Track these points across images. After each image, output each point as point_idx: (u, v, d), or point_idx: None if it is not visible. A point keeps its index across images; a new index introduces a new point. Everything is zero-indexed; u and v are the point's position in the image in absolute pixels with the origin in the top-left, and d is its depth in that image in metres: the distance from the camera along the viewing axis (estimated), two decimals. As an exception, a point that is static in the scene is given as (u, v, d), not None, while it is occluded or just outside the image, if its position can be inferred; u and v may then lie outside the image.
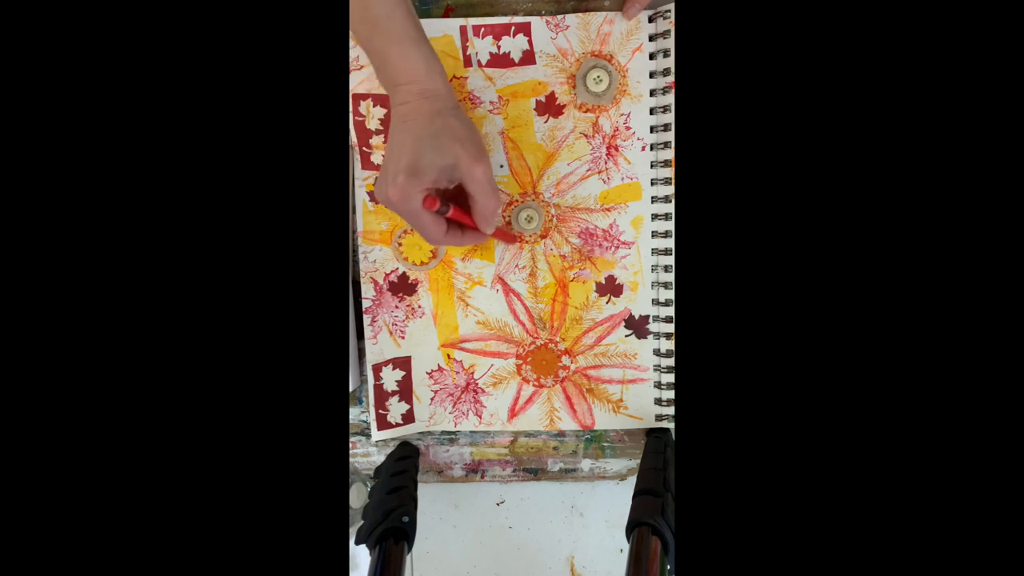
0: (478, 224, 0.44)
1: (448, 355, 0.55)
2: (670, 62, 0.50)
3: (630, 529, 0.43)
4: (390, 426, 0.55)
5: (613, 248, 0.53)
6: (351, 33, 0.42)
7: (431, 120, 0.40)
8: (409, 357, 0.55)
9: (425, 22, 0.52)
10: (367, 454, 0.56)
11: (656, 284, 0.53)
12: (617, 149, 0.52)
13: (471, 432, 0.56)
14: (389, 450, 0.56)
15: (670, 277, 0.52)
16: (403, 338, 0.55)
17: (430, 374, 0.55)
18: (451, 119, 0.40)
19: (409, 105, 0.40)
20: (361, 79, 0.52)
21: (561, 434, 0.56)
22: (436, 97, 0.40)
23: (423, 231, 0.43)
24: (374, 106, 0.52)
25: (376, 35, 0.39)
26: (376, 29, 0.39)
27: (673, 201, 0.52)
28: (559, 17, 0.51)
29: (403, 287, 0.54)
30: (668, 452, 0.50)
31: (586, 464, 0.56)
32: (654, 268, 0.53)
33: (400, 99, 0.41)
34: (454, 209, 0.42)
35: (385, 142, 0.52)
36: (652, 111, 0.52)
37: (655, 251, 0.53)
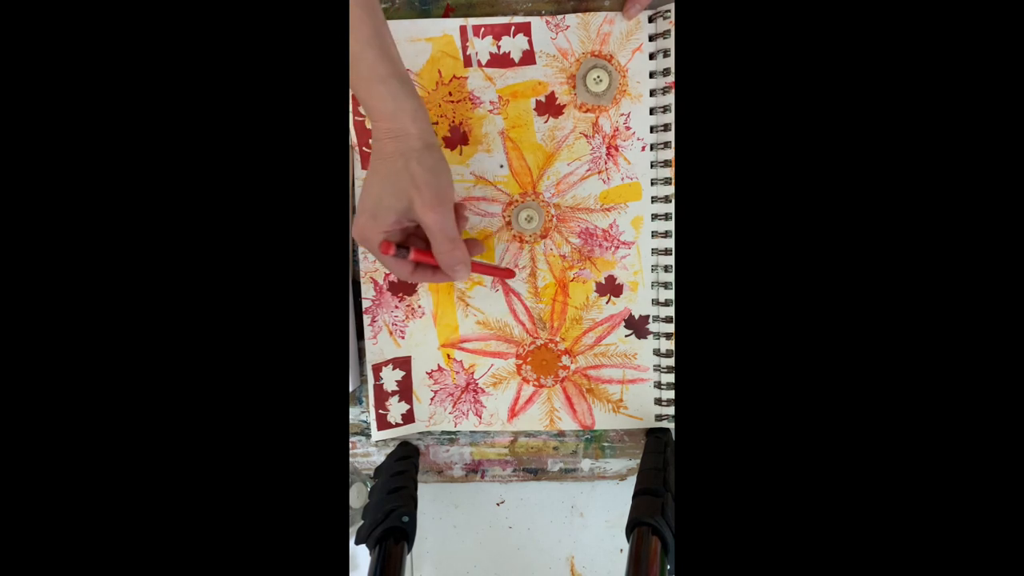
0: (443, 270, 0.43)
1: (448, 355, 0.55)
2: (670, 62, 0.50)
3: (630, 529, 0.43)
4: (390, 426, 0.55)
5: (613, 248, 0.53)
6: None
7: (393, 162, 0.40)
8: (409, 357, 0.55)
9: (425, 22, 0.52)
10: (367, 454, 0.56)
11: (656, 284, 0.53)
12: (617, 149, 0.52)
13: (471, 432, 0.56)
14: (389, 450, 0.56)
15: (670, 277, 0.52)
16: (403, 338, 0.55)
17: (430, 374, 0.55)
18: (412, 163, 0.40)
19: (379, 144, 0.41)
20: (361, 79, 0.52)
21: (561, 434, 0.56)
22: (402, 138, 0.40)
23: (389, 269, 0.44)
24: (374, 106, 0.52)
25: (352, 73, 0.39)
26: (351, 67, 0.39)
27: (673, 201, 0.52)
28: (559, 17, 0.51)
29: (403, 287, 0.54)
30: (668, 452, 0.50)
31: (586, 464, 0.56)
32: (654, 268, 0.53)
33: (375, 136, 0.41)
34: (416, 252, 0.42)
35: None
36: (652, 111, 0.52)
37: (655, 251, 0.53)
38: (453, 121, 0.53)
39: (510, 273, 0.53)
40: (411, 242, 0.43)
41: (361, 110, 0.52)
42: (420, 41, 0.52)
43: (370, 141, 0.42)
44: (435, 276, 0.45)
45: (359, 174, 0.53)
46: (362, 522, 0.48)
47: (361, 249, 0.54)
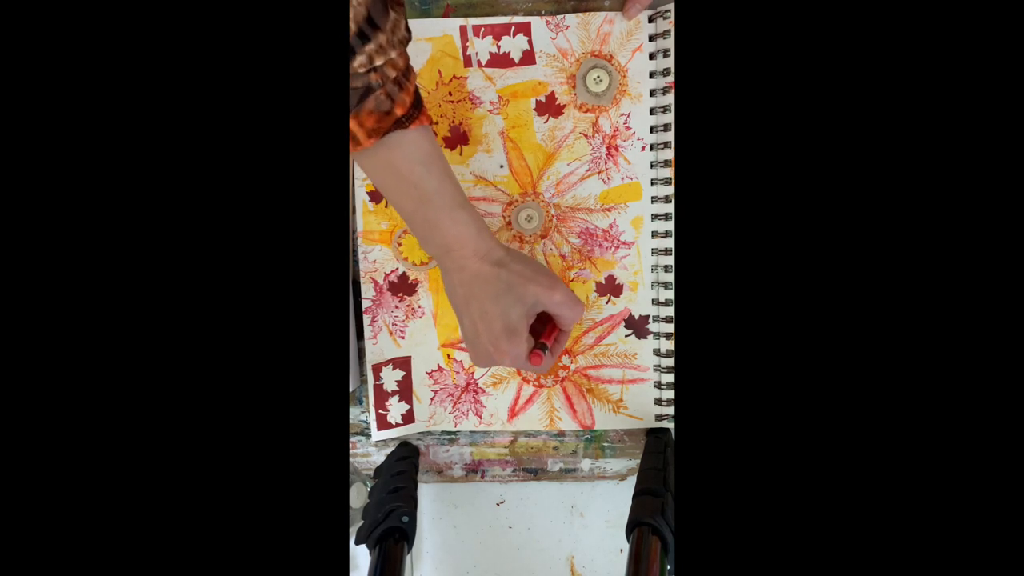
0: (564, 328, 0.45)
1: (448, 355, 0.55)
2: (670, 62, 0.50)
3: (630, 529, 0.43)
4: (390, 426, 0.55)
5: (613, 248, 0.53)
6: (393, 207, 0.44)
7: (498, 277, 0.41)
8: (409, 357, 0.55)
9: (425, 22, 0.52)
10: (367, 454, 0.56)
11: (656, 284, 0.53)
12: (617, 149, 0.52)
13: (471, 432, 0.56)
14: (389, 450, 0.56)
15: (670, 277, 0.52)
16: (403, 338, 0.55)
17: (430, 374, 0.55)
18: (513, 265, 0.41)
19: (469, 270, 0.41)
20: (361, 79, 0.52)
21: (561, 434, 0.56)
22: (490, 253, 0.41)
23: (535, 371, 0.46)
24: (374, 106, 0.52)
25: (425, 207, 0.40)
26: (425, 202, 0.40)
27: (673, 201, 0.52)
28: (559, 17, 0.51)
29: (403, 287, 0.54)
30: (668, 452, 0.50)
31: (586, 464, 0.56)
32: (654, 268, 0.53)
33: (455, 264, 0.41)
34: (549, 338, 0.44)
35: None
36: (652, 111, 0.52)
37: (655, 251, 0.53)
38: (453, 121, 0.53)
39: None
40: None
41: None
42: (420, 41, 0.52)
43: (443, 269, 0.43)
44: (560, 347, 0.46)
45: (359, 174, 0.53)
46: (362, 522, 0.48)
47: (361, 249, 0.54)
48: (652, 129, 0.52)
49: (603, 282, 0.54)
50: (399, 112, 0.37)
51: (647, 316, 0.53)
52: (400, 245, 0.54)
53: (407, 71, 0.37)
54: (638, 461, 0.54)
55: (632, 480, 0.50)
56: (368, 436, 0.56)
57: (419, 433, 0.56)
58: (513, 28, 0.51)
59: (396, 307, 0.55)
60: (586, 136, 0.52)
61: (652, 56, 0.51)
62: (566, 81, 0.52)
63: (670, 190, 0.52)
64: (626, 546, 0.42)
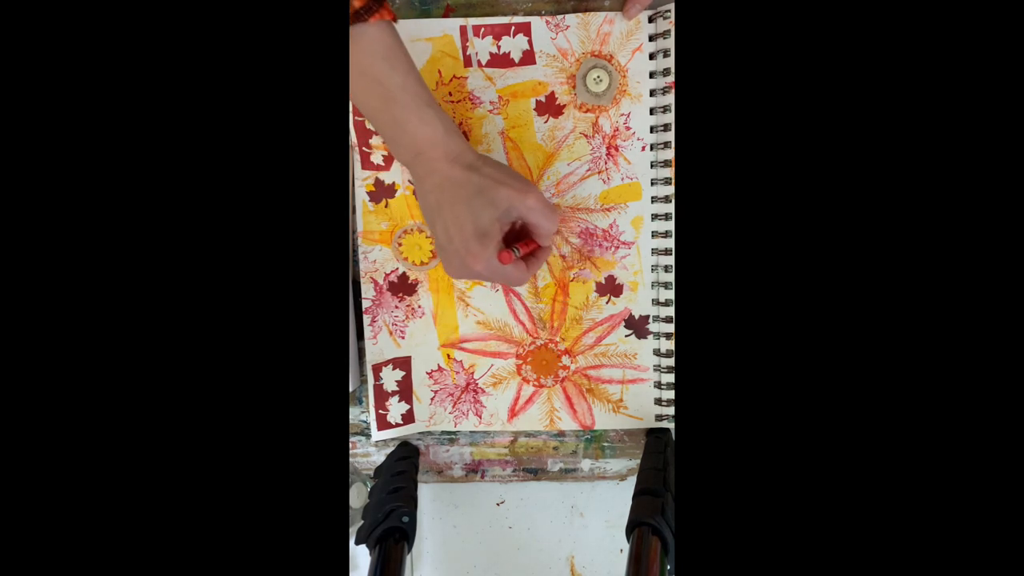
0: (542, 242, 0.44)
1: (448, 355, 0.55)
2: (670, 62, 0.50)
3: (630, 529, 0.43)
4: (390, 426, 0.55)
5: (613, 248, 0.53)
6: (360, 110, 0.42)
7: (468, 179, 0.40)
8: (409, 357, 0.55)
9: (425, 22, 0.52)
10: (367, 454, 0.56)
11: (656, 284, 0.53)
12: (617, 149, 0.52)
13: (471, 432, 0.56)
14: (389, 450, 0.56)
15: (670, 277, 0.52)
16: (403, 338, 0.55)
17: (430, 374, 0.55)
18: (485, 169, 0.41)
19: (440, 174, 0.40)
20: (361, 79, 0.52)
21: (561, 434, 0.56)
22: (461, 156, 0.40)
23: (509, 281, 0.44)
24: (374, 106, 0.52)
25: (391, 106, 0.39)
26: (390, 100, 0.39)
27: (673, 201, 0.52)
28: (559, 17, 0.51)
29: (403, 287, 0.54)
30: (668, 452, 0.50)
31: (586, 464, 0.56)
32: (654, 268, 0.53)
33: (425, 169, 0.40)
34: (522, 245, 0.43)
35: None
36: (652, 111, 0.52)
37: (655, 251, 0.53)
38: (453, 121, 0.53)
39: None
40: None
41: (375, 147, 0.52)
42: (420, 41, 0.52)
43: (415, 176, 0.42)
44: (538, 261, 0.45)
45: (359, 174, 0.53)
46: (362, 522, 0.48)
47: (361, 249, 0.54)
48: (652, 129, 0.52)
49: (603, 282, 0.54)
50: (357, 4, 0.36)
51: (647, 316, 0.53)
52: (400, 245, 0.54)
53: None
54: (638, 461, 0.54)
55: (632, 480, 0.50)
56: (368, 436, 0.56)
57: (419, 433, 0.56)
58: (513, 28, 0.51)
59: (396, 307, 0.55)
60: (586, 136, 0.52)
61: (652, 56, 0.51)
62: (566, 81, 0.52)
63: (670, 190, 0.52)
64: (626, 546, 0.42)
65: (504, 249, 0.41)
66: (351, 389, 0.55)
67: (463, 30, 0.52)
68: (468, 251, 0.41)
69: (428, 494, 0.60)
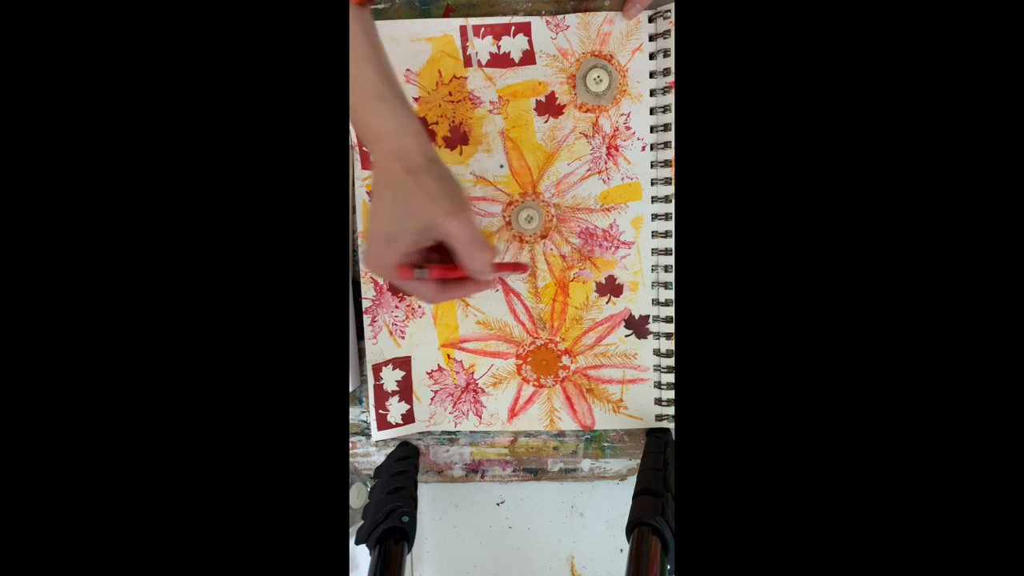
0: (473, 276, 0.41)
1: (448, 355, 0.55)
2: (670, 62, 0.50)
3: (630, 529, 0.43)
4: (390, 426, 0.55)
5: (613, 248, 0.53)
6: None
7: (402, 182, 0.38)
8: (409, 357, 0.55)
9: (425, 22, 0.52)
10: (367, 454, 0.56)
11: (656, 284, 0.53)
12: (617, 149, 0.52)
13: (471, 432, 0.56)
14: (389, 450, 0.56)
15: (670, 277, 0.52)
16: (403, 338, 0.55)
17: (430, 374, 0.55)
18: (423, 177, 0.39)
19: (382, 168, 0.39)
20: (361, 79, 0.52)
21: (561, 434, 0.56)
22: (406, 156, 0.39)
23: (416, 295, 0.42)
24: (374, 106, 0.52)
25: (351, 93, 0.38)
26: (350, 87, 0.38)
27: (673, 201, 0.52)
28: (559, 17, 0.51)
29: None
30: (668, 452, 0.50)
31: (586, 464, 0.56)
32: (654, 268, 0.53)
33: (375, 159, 0.40)
34: (438, 269, 0.41)
35: None
36: (652, 111, 0.52)
37: (655, 251, 0.53)
38: (453, 121, 0.53)
39: (524, 268, 0.53)
40: (428, 261, 0.41)
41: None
42: (420, 41, 0.52)
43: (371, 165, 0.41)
44: (462, 289, 0.43)
45: (359, 174, 0.53)
46: (362, 522, 0.48)
47: (361, 249, 0.54)
48: (652, 129, 0.52)
49: (603, 282, 0.54)
50: None
51: (647, 316, 0.53)
52: (400, 245, 0.54)
53: None
54: (638, 461, 0.54)
55: (632, 480, 0.50)
56: (368, 436, 0.56)
57: (419, 433, 0.56)
58: (513, 28, 0.51)
59: (396, 307, 0.55)
60: (586, 136, 0.52)
61: (652, 56, 0.51)
62: (566, 81, 0.52)
63: (670, 190, 0.52)
64: (626, 546, 0.42)
65: (406, 264, 0.39)
66: (351, 389, 0.55)
67: (463, 30, 0.52)
68: (372, 251, 0.40)
69: (428, 494, 0.60)
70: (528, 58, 0.52)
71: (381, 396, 0.55)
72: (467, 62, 0.52)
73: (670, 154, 0.51)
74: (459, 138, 0.53)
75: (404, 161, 0.39)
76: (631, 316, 0.54)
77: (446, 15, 0.52)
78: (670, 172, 0.52)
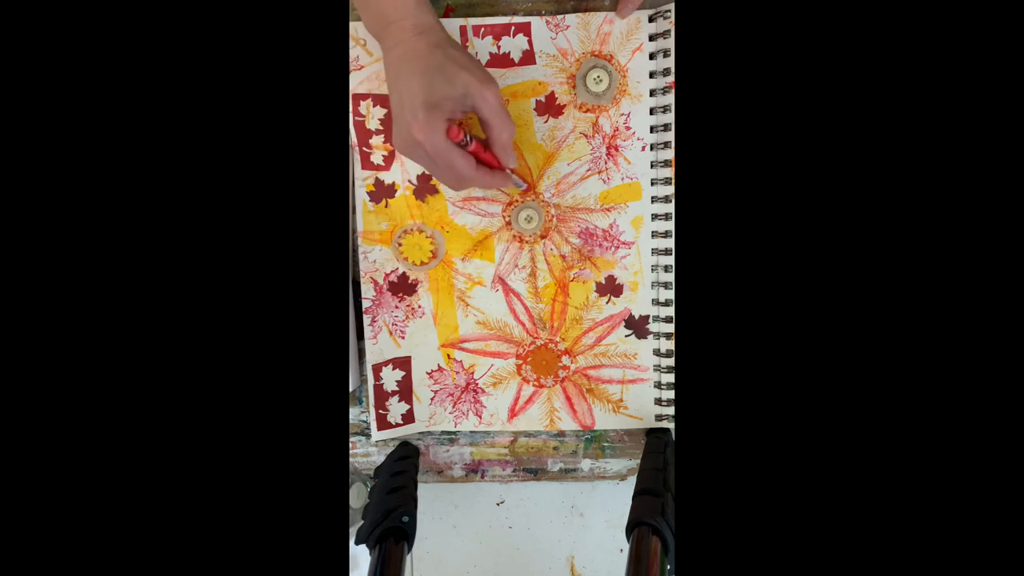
0: (497, 154, 0.43)
1: (448, 355, 0.55)
2: (670, 62, 0.50)
3: (630, 529, 0.43)
4: (390, 426, 0.55)
5: (613, 248, 0.53)
6: None
7: (431, 54, 0.39)
8: (409, 357, 0.55)
9: (425, 22, 0.52)
10: (367, 454, 0.56)
11: (656, 284, 0.53)
12: (617, 149, 0.52)
13: (471, 432, 0.56)
14: (389, 450, 0.56)
15: (670, 277, 0.52)
16: (403, 338, 0.55)
17: (430, 374, 0.55)
18: (450, 50, 0.40)
19: (405, 45, 0.40)
20: (361, 79, 0.52)
21: (561, 434, 0.56)
22: (430, 30, 0.40)
23: (453, 169, 0.42)
24: (374, 106, 0.52)
25: None
26: None
27: (673, 201, 0.52)
28: (559, 17, 0.51)
29: (403, 287, 0.54)
30: (668, 452, 0.50)
31: (586, 464, 0.56)
32: (654, 268, 0.53)
33: (393, 40, 0.40)
34: (476, 143, 0.42)
35: (387, 115, 0.51)
36: (652, 111, 0.52)
37: (655, 251, 0.53)
38: None
39: (527, 184, 0.52)
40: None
41: (361, 108, 0.52)
42: (420, 41, 0.52)
43: (384, 48, 0.41)
44: (492, 178, 0.44)
45: (359, 174, 0.53)
46: (362, 522, 0.48)
47: (361, 249, 0.54)
48: (652, 129, 0.52)
49: (603, 282, 0.53)
50: None
51: (647, 316, 0.53)
52: (400, 245, 0.54)
53: None
54: (638, 461, 0.54)
55: (632, 480, 0.50)
56: (368, 436, 0.56)
57: (419, 433, 0.56)
58: (513, 28, 0.51)
59: (396, 307, 0.55)
60: (586, 136, 0.52)
61: (652, 56, 0.51)
62: (566, 81, 0.52)
63: (670, 190, 0.52)
64: (626, 546, 0.42)
65: (453, 124, 0.40)
66: (351, 389, 0.55)
67: (463, 30, 0.52)
68: (415, 118, 0.40)
69: (428, 494, 0.60)
70: (528, 58, 0.52)
71: (381, 396, 0.55)
72: (467, 62, 0.52)
73: (670, 154, 0.51)
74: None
75: (429, 35, 0.40)
76: (631, 316, 0.54)
77: (446, 15, 0.52)
78: (670, 172, 0.51)
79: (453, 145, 0.40)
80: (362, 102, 0.52)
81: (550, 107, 0.52)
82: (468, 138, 0.41)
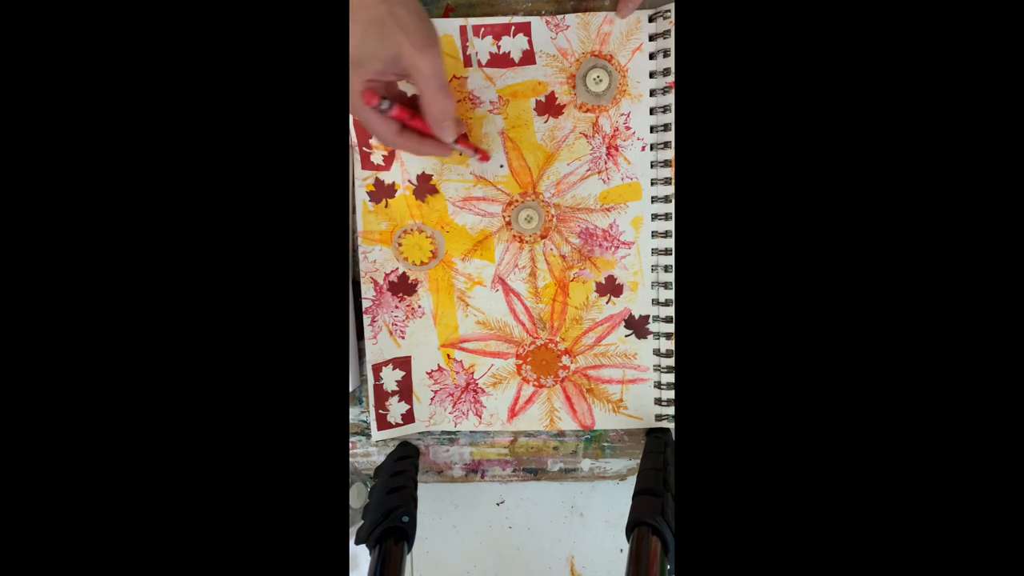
0: (431, 127, 0.41)
1: (448, 355, 0.55)
2: (670, 62, 0.50)
3: (630, 529, 0.43)
4: (390, 426, 0.55)
5: (613, 248, 0.53)
6: None
7: (376, 8, 0.37)
8: (409, 357, 0.55)
9: (425, 22, 0.52)
10: (367, 454, 0.56)
11: (656, 284, 0.53)
12: (617, 149, 0.52)
13: (471, 432, 0.56)
14: (389, 450, 0.56)
15: (670, 277, 0.52)
16: (403, 338, 0.55)
17: (430, 374, 0.55)
18: (396, 7, 0.37)
19: None
20: (361, 79, 0.52)
21: (561, 434, 0.56)
22: None
23: (372, 130, 0.41)
24: (374, 106, 0.52)
25: None
26: None
27: (673, 201, 0.52)
28: (559, 17, 0.51)
29: (403, 287, 0.54)
30: (668, 452, 0.50)
31: (586, 464, 0.56)
32: (654, 268, 0.53)
33: None
34: (400, 108, 0.40)
35: None
36: (652, 111, 0.52)
37: (655, 251, 0.53)
38: None
39: (485, 155, 0.52)
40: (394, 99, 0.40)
41: (375, 147, 0.52)
42: (420, 41, 0.52)
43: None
44: (421, 145, 0.42)
45: (359, 174, 0.53)
46: (362, 522, 0.48)
47: (361, 249, 0.54)
48: (652, 129, 0.52)
49: (603, 282, 0.54)
50: None
51: (647, 316, 0.53)
52: (400, 245, 0.54)
53: None
54: (638, 461, 0.54)
55: (632, 480, 0.50)
56: (368, 436, 0.56)
57: (419, 433, 0.56)
58: (513, 28, 0.51)
59: (396, 307, 0.55)
60: (586, 136, 0.52)
61: (652, 56, 0.51)
62: (566, 81, 0.52)
63: (670, 190, 0.52)
64: (626, 546, 0.42)
65: (370, 89, 0.38)
66: (351, 389, 0.55)
67: (463, 30, 0.52)
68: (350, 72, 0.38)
69: (428, 494, 0.60)
70: (528, 58, 0.52)
71: (381, 396, 0.55)
72: (467, 62, 0.52)
73: (670, 154, 0.51)
74: (459, 138, 0.53)
75: None
76: (631, 316, 0.54)
77: (446, 15, 0.52)
78: (670, 172, 0.52)
79: (370, 109, 0.39)
80: (362, 102, 0.52)
81: (550, 107, 0.52)
82: (385, 103, 0.39)
